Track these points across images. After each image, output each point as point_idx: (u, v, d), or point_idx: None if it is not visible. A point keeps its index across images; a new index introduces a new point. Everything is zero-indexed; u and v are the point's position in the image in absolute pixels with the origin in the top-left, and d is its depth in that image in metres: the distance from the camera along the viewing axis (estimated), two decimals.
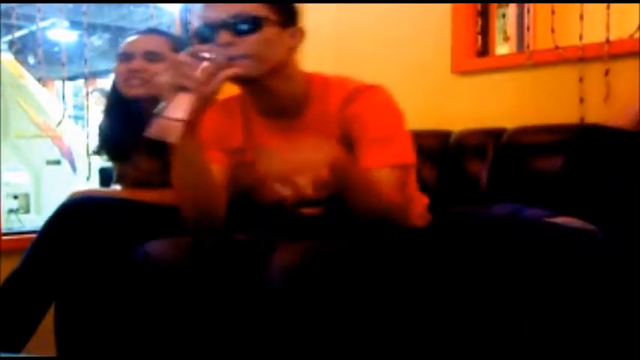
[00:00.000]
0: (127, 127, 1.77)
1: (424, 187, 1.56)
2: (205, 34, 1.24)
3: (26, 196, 4.41)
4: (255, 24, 1.22)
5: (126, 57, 1.72)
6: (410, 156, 1.32)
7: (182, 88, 1.09)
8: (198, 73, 1.10)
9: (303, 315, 1.10)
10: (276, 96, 1.31)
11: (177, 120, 1.07)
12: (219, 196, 1.31)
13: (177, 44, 1.79)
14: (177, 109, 1.08)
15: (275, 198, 1.35)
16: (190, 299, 1.22)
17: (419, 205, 1.47)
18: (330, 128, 1.30)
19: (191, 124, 1.11)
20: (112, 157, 1.82)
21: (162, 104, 1.09)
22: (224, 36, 1.21)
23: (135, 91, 1.71)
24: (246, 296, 1.22)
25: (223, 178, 1.34)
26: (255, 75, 1.24)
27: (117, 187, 1.82)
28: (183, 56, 1.13)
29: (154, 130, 1.07)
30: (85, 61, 2.46)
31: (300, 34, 1.32)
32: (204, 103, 1.12)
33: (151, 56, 1.72)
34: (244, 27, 1.21)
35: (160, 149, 1.70)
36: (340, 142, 1.27)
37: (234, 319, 1.25)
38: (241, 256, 1.29)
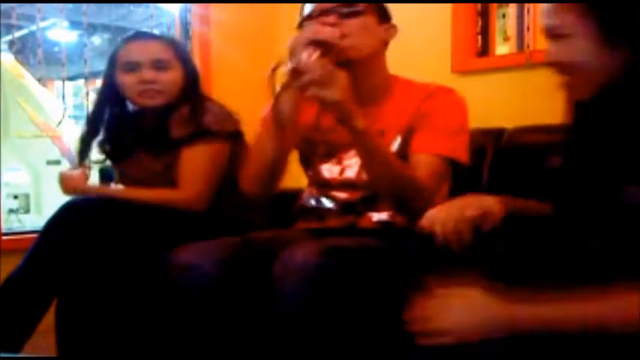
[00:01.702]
0: (130, 127, 1.76)
1: None
2: (315, 18, 1.40)
3: (26, 196, 4.41)
4: (357, 11, 1.40)
5: (133, 67, 1.69)
6: (462, 154, 1.40)
7: (315, 43, 1.25)
8: (329, 33, 1.30)
9: (314, 316, 1.11)
10: (363, 83, 1.42)
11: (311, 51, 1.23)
12: (285, 163, 1.42)
13: (177, 47, 1.78)
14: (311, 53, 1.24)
15: (322, 178, 1.48)
16: (204, 302, 1.23)
17: None
18: (400, 120, 1.41)
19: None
20: (114, 159, 1.82)
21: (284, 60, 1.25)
22: (331, 18, 1.38)
23: (151, 102, 1.69)
24: (257, 299, 1.23)
25: (293, 143, 1.46)
26: (354, 56, 1.37)
27: (119, 187, 1.81)
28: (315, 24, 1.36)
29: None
30: (85, 61, 2.47)
31: (393, 31, 1.47)
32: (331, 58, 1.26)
33: (160, 64, 1.69)
34: (348, 12, 1.39)
35: (164, 149, 1.71)
36: (404, 133, 1.40)
37: (244, 321, 1.26)
38: (255, 256, 1.31)
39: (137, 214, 1.57)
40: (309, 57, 1.22)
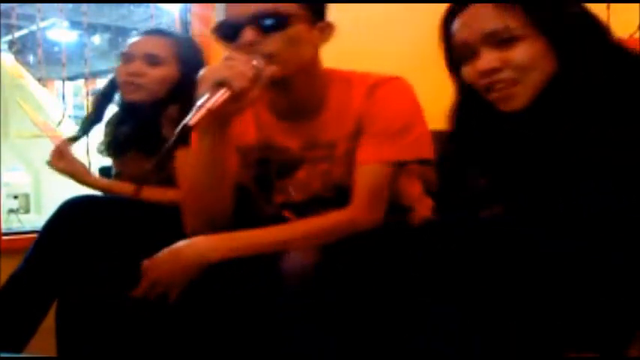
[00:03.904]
0: (124, 124, 1.77)
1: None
2: (229, 33, 1.16)
3: (26, 196, 4.41)
4: (282, 21, 1.13)
5: (126, 58, 1.70)
6: (410, 153, 1.28)
7: (222, 84, 1.04)
8: (248, 72, 1.06)
9: (313, 315, 1.11)
10: (297, 96, 1.25)
11: (203, 107, 1.03)
12: (228, 200, 1.26)
13: (184, 46, 1.76)
14: (210, 100, 1.03)
15: (283, 198, 1.37)
16: (201, 301, 1.23)
17: (424, 208, 1.44)
18: (345, 127, 1.26)
19: (220, 117, 1.10)
20: (109, 154, 1.83)
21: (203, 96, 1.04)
22: (248, 33, 1.12)
23: (131, 96, 1.69)
24: (258, 301, 1.23)
25: (233, 177, 1.28)
26: (282, 74, 1.15)
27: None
28: (233, 54, 1.10)
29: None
30: (85, 61, 2.47)
31: (329, 29, 1.26)
32: (244, 102, 1.09)
33: (151, 59, 1.68)
34: (270, 24, 1.12)
35: (153, 148, 1.71)
36: (353, 139, 1.26)
37: (245, 322, 1.25)
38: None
39: (139, 214, 1.58)
40: (216, 101, 1.03)
